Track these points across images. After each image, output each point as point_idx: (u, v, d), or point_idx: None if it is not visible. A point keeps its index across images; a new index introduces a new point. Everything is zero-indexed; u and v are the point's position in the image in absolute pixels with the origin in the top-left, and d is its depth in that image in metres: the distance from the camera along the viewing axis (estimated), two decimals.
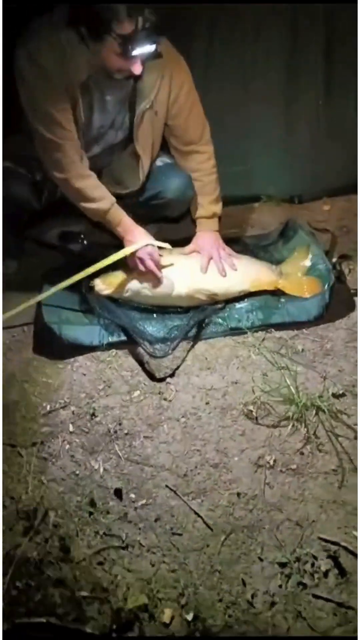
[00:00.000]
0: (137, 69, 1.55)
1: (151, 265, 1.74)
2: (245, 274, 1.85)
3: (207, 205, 1.89)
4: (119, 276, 1.80)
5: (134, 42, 1.48)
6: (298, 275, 1.87)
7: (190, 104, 1.78)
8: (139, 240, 1.74)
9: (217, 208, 1.90)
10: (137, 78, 1.68)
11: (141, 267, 1.76)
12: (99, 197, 1.70)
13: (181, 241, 2.00)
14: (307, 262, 1.89)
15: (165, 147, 1.90)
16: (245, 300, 1.82)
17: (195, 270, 1.83)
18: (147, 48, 1.51)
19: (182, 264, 1.84)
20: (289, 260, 1.92)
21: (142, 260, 1.75)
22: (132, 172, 1.81)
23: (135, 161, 1.79)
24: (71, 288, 1.80)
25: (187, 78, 1.76)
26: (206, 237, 1.89)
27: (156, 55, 1.58)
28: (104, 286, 1.79)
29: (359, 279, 1.92)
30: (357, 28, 2.10)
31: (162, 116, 1.76)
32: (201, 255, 1.85)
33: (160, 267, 1.77)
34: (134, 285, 1.78)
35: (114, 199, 1.73)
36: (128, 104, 1.74)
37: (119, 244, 1.85)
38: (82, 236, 2.02)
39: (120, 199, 1.93)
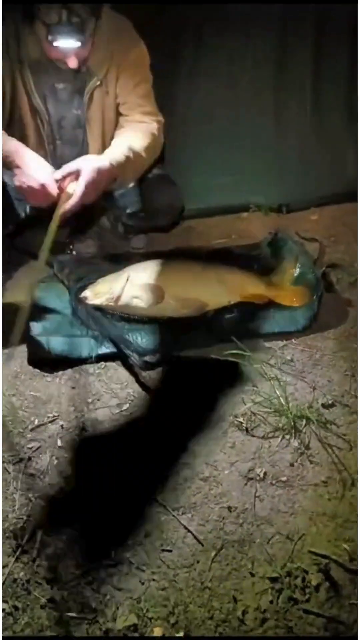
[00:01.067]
0: (71, 62, 1.55)
1: (41, 200, 1.58)
2: (236, 284, 1.84)
3: (115, 155, 1.67)
4: (106, 285, 1.79)
5: (57, 34, 1.49)
6: (287, 284, 1.88)
7: (138, 80, 1.71)
8: (32, 171, 1.58)
9: (117, 154, 1.66)
10: (88, 63, 1.65)
11: (31, 200, 1.61)
12: None
13: (170, 252, 2.00)
14: (296, 271, 1.89)
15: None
16: (235, 310, 1.82)
17: (184, 279, 1.83)
18: (71, 43, 1.52)
19: (172, 274, 1.83)
20: (278, 270, 1.92)
21: (32, 189, 1.58)
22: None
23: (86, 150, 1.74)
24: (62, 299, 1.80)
25: (140, 55, 1.70)
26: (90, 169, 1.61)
27: (84, 54, 1.56)
28: (93, 295, 1.77)
29: (359, 287, 1.92)
30: (344, 36, 2.11)
31: (113, 99, 1.71)
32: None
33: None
34: (125, 295, 1.76)
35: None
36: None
37: (108, 255, 1.84)
38: (71, 247, 2.02)
39: (107, 206, 1.91)
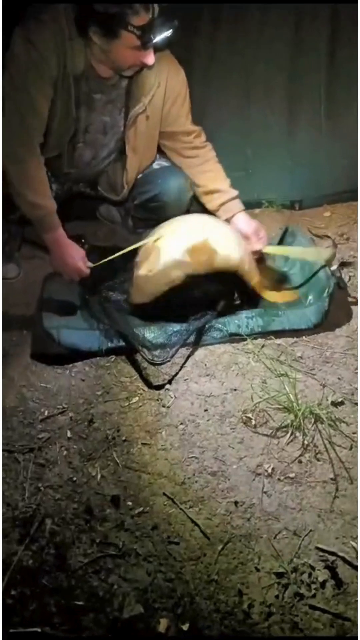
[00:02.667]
0: (150, 59, 1.55)
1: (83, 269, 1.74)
2: (251, 256, 1.82)
3: (229, 188, 1.86)
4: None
5: (153, 31, 1.48)
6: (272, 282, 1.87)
7: (186, 110, 1.80)
8: (68, 257, 1.73)
9: (236, 191, 1.88)
10: (131, 81, 1.67)
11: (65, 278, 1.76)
12: (45, 194, 1.66)
13: None
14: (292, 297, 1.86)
15: (161, 150, 1.90)
16: (244, 307, 1.81)
17: (192, 223, 1.78)
18: (165, 34, 1.52)
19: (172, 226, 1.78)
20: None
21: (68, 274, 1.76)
22: (121, 176, 1.81)
23: (124, 165, 1.79)
24: (73, 292, 1.81)
25: (183, 86, 1.78)
26: (244, 218, 1.85)
27: (169, 41, 1.57)
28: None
29: (359, 285, 1.91)
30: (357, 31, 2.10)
31: (155, 122, 1.76)
32: (247, 237, 1.82)
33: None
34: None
35: (54, 207, 1.69)
36: (122, 107, 1.74)
37: (121, 248, 1.85)
38: (83, 240, 2.03)
39: (117, 204, 1.93)
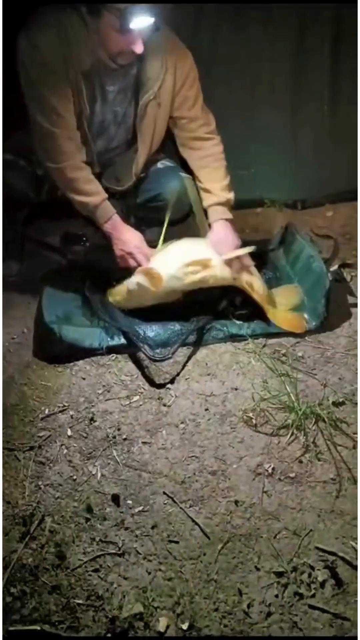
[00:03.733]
0: (138, 47, 1.53)
1: (142, 259, 1.72)
2: (243, 267, 1.76)
3: (219, 192, 1.79)
4: (122, 285, 1.78)
5: (131, 15, 1.46)
6: (285, 308, 1.82)
7: (194, 93, 1.76)
8: (127, 238, 1.71)
9: (230, 196, 1.80)
10: (139, 69, 1.66)
11: (131, 263, 1.73)
12: (91, 190, 1.69)
13: None
14: (297, 301, 1.83)
15: (164, 149, 1.89)
16: (245, 307, 1.80)
17: (186, 246, 1.77)
18: (146, 20, 1.49)
19: (169, 248, 1.78)
20: (281, 291, 1.86)
21: (131, 255, 1.73)
22: (130, 168, 1.80)
23: (134, 157, 1.78)
24: (74, 289, 1.81)
25: (191, 69, 1.74)
26: (221, 231, 1.77)
27: (156, 29, 1.54)
28: (112, 298, 1.79)
29: (358, 284, 1.91)
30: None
31: (166, 108, 1.74)
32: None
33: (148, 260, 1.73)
34: (132, 285, 1.74)
35: (105, 195, 1.71)
36: (132, 96, 1.73)
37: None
38: (84, 238, 2.03)
39: (118, 197, 1.92)
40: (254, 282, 1.78)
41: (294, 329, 1.75)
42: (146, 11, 1.48)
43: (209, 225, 1.82)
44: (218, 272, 1.73)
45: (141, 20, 1.48)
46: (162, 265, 1.72)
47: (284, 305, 1.82)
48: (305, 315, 1.77)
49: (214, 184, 1.80)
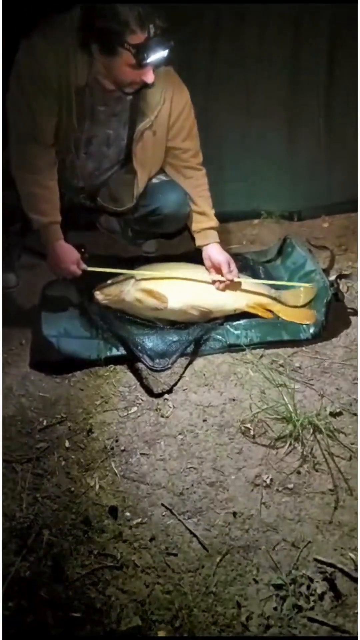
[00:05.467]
0: (149, 77, 1.57)
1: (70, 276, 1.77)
2: (242, 292, 1.85)
3: (213, 217, 1.91)
4: (116, 287, 1.81)
5: (148, 50, 1.50)
6: (299, 306, 1.86)
7: (189, 126, 1.83)
8: (63, 259, 1.75)
9: (217, 221, 1.93)
10: (137, 96, 1.70)
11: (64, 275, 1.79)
12: (44, 210, 1.71)
13: (179, 257, 2.02)
14: (310, 298, 1.87)
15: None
16: (244, 317, 1.82)
17: (190, 285, 1.84)
18: (161, 54, 1.53)
19: (179, 279, 1.84)
20: (293, 291, 1.90)
21: (63, 273, 1.78)
22: (128, 189, 1.84)
23: (131, 178, 1.81)
24: (73, 300, 1.84)
25: (187, 103, 1.81)
26: (218, 249, 1.89)
27: (168, 62, 1.59)
28: (102, 296, 1.81)
29: (358, 294, 1.92)
30: (357, 45, 2.13)
31: (161, 137, 1.79)
32: (218, 267, 1.85)
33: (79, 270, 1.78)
34: (129, 296, 1.79)
35: (57, 219, 1.73)
36: (127, 120, 1.76)
37: (119, 258, 1.85)
38: (83, 249, 2.04)
39: (117, 215, 1.95)
40: (255, 299, 1.84)
41: (303, 321, 1.79)
42: (159, 44, 1.51)
43: (201, 247, 1.90)
44: (219, 312, 1.82)
45: (157, 54, 1.52)
46: (168, 296, 1.78)
47: (296, 304, 1.87)
48: (315, 311, 1.80)
49: (209, 209, 1.90)
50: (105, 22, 1.48)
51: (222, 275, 1.84)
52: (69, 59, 1.58)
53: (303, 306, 1.86)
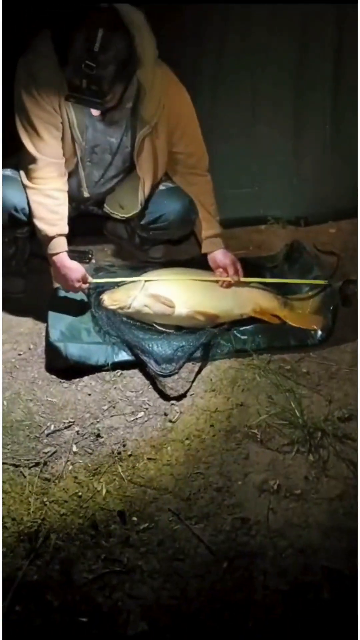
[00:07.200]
0: (94, 112, 1.66)
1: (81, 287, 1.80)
2: (248, 297, 1.85)
3: (216, 224, 1.92)
4: (123, 292, 1.82)
5: (73, 98, 1.57)
6: (306, 312, 1.86)
7: (192, 130, 1.83)
8: (68, 273, 1.77)
9: (221, 228, 1.94)
10: (136, 103, 1.72)
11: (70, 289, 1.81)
12: (51, 220, 1.72)
13: (186, 262, 2.02)
14: (318, 305, 1.87)
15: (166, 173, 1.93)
16: (251, 322, 1.82)
17: (197, 290, 1.84)
18: (90, 105, 1.60)
19: (186, 285, 1.84)
20: (301, 296, 1.91)
21: (70, 288, 1.80)
22: (134, 196, 1.85)
23: (137, 185, 1.83)
24: (81, 305, 1.86)
25: (187, 106, 1.81)
26: (224, 253, 1.90)
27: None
28: (109, 301, 1.82)
29: (359, 298, 1.92)
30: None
31: (163, 142, 1.80)
32: (224, 269, 1.87)
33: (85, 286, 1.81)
34: (137, 302, 1.80)
35: (64, 231, 1.74)
36: (128, 127, 1.78)
37: (126, 264, 1.86)
38: (90, 255, 2.05)
39: (123, 222, 1.97)
40: (261, 304, 1.83)
41: (310, 326, 1.79)
42: (90, 98, 1.56)
43: (207, 253, 1.92)
44: (226, 317, 1.82)
45: (86, 103, 1.59)
46: (175, 301, 1.79)
47: (305, 310, 1.87)
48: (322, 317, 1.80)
49: (214, 216, 1.91)
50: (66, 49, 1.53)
51: (228, 276, 1.84)
52: (61, 72, 1.61)
53: (310, 312, 1.86)
